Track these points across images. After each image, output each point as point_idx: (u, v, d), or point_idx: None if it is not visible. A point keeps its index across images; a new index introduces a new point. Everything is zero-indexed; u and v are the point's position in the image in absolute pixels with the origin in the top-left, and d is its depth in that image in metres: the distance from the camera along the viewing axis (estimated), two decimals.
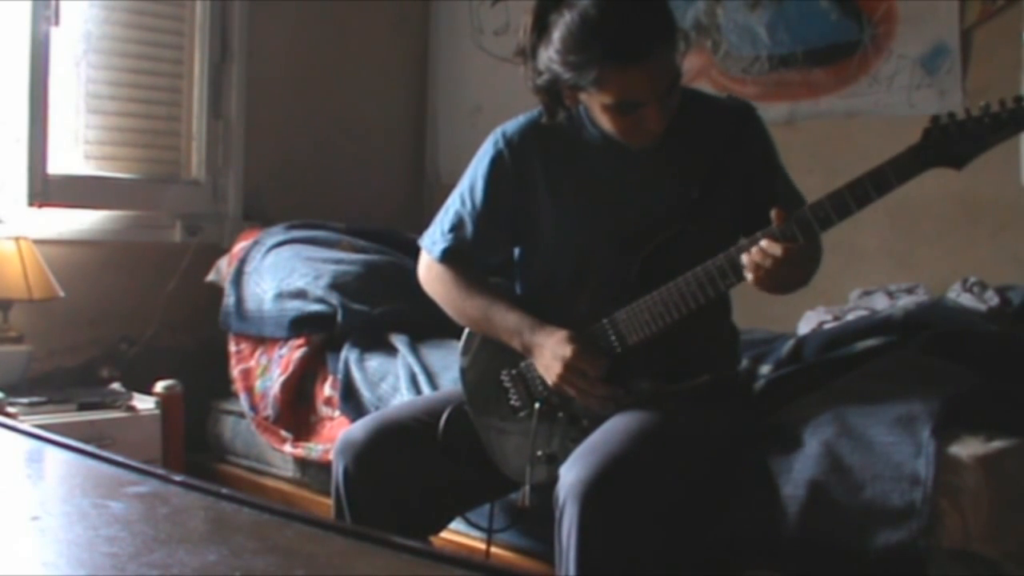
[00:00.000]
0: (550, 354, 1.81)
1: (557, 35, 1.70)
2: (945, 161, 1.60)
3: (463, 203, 1.96)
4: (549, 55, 1.72)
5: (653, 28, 1.68)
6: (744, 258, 1.67)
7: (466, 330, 1.98)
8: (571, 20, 1.67)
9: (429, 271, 2.02)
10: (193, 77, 3.43)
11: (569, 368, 1.78)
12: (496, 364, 1.92)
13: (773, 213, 1.65)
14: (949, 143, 1.58)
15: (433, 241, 1.99)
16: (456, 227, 1.96)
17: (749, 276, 1.67)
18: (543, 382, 1.86)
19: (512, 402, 1.91)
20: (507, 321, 1.88)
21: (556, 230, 1.89)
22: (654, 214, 1.83)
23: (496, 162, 1.91)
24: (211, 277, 3.24)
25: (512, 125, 1.93)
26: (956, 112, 1.60)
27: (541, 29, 1.73)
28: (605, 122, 1.78)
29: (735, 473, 1.84)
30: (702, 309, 1.74)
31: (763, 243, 1.64)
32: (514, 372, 1.91)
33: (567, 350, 1.79)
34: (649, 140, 1.79)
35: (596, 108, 1.76)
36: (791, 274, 1.67)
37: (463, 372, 1.97)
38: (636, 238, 1.81)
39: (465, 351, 1.97)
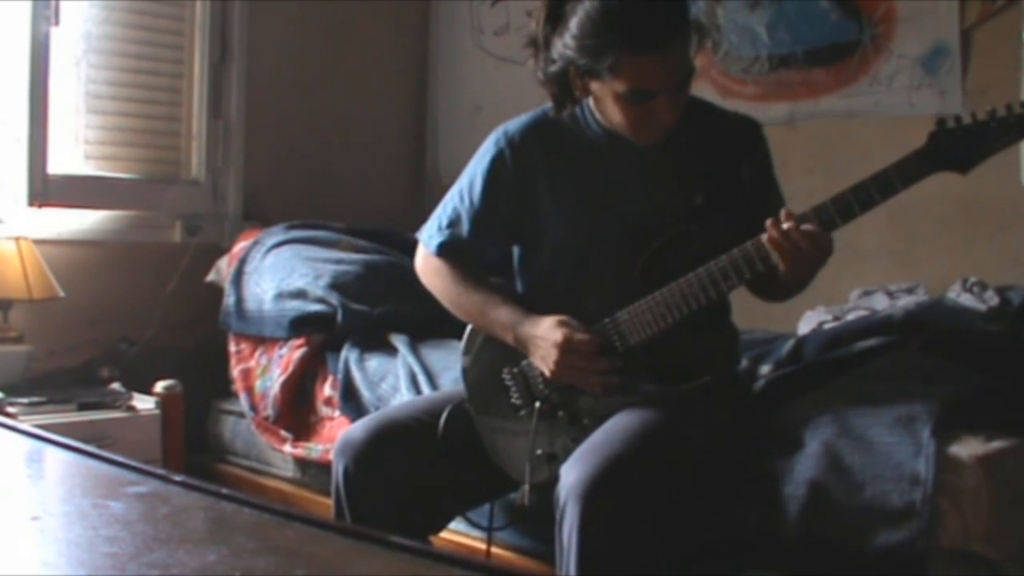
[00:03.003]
0: (543, 342, 1.81)
1: (574, 21, 1.71)
2: (950, 165, 1.60)
3: (461, 199, 1.96)
4: (564, 42, 1.73)
5: (671, 18, 1.69)
6: (765, 237, 1.66)
7: (467, 329, 1.98)
8: (590, 6, 1.69)
9: (426, 264, 2.03)
10: (193, 77, 3.42)
11: (565, 350, 1.78)
12: (498, 363, 1.92)
13: (783, 213, 1.66)
14: (954, 148, 1.58)
15: (430, 235, 2.00)
16: (453, 223, 1.96)
17: (776, 257, 1.66)
18: (544, 379, 1.86)
19: (513, 400, 1.91)
20: (500, 316, 1.88)
21: (558, 230, 1.89)
22: (656, 215, 1.83)
23: (496, 161, 1.92)
24: (211, 277, 3.24)
25: (514, 124, 1.93)
26: (960, 114, 1.60)
27: (556, 19, 1.75)
28: (615, 114, 1.77)
29: (735, 473, 1.84)
30: (703, 310, 1.75)
31: (806, 225, 1.64)
32: (515, 370, 1.91)
33: (558, 334, 1.79)
34: (658, 135, 1.79)
35: (608, 98, 1.76)
36: (812, 262, 1.68)
37: (465, 371, 1.97)
38: (637, 238, 1.82)
39: (467, 351, 1.97)
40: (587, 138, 1.87)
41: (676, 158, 1.84)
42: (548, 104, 1.90)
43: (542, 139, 1.90)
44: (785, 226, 1.65)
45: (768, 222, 1.67)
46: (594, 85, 1.76)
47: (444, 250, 1.98)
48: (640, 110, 1.74)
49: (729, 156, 1.85)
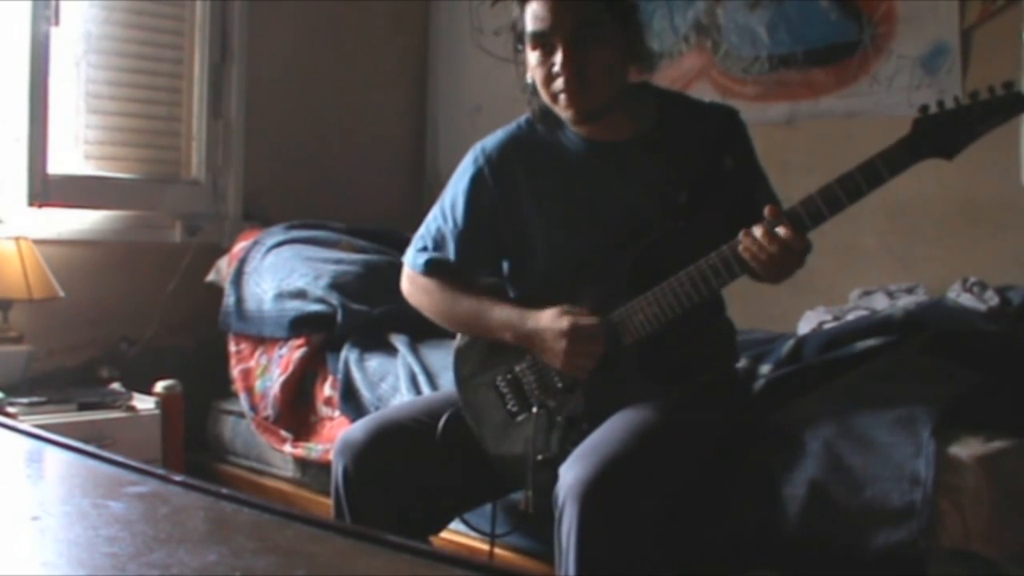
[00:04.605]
0: (550, 335, 1.80)
1: None
2: (935, 152, 1.60)
3: (444, 219, 1.96)
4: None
5: None
6: (740, 248, 1.66)
7: (456, 346, 1.97)
8: None
9: (413, 284, 2.02)
10: (193, 77, 3.43)
11: (573, 338, 1.76)
12: (491, 372, 1.92)
13: (766, 209, 1.65)
14: (938, 133, 1.58)
15: (416, 255, 1.99)
16: (438, 243, 1.96)
17: (747, 256, 1.66)
18: (539, 385, 1.85)
19: (510, 407, 1.90)
20: (498, 316, 1.87)
21: (545, 238, 1.89)
22: (641, 215, 1.83)
23: (476, 179, 1.92)
24: (211, 277, 3.24)
25: (491, 141, 1.94)
26: (945, 102, 1.59)
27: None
28: (538, 80, 1.82)
29: (735, 473, 1.83)
30: (696, 308, 1.74)
31: (779, 231, 1.63)
32: (509, 376, 1.90)
33: (564, 322, 1.78)
34: (579, 100, 1.78)
35: (531, 64, 1.82)
36: (788, 265, 1.67)
37: (460, 383, 1.96)
38: (625, 241, 1.81)
39: (459, 368, 1.96)
40: (564, 146, 1.88)
41: (655, 156, 1.84)
42: (523, 117, 1.93)
43: (520, 152, 1.90)
44: (757, 233, 1.64)
45: (742, 233, 1.67)
46: (528, 52, 1.82)
47: (431, 267, 1.96)
48: (545, 65, 1.78)
49: (708, 147, 1.84)
